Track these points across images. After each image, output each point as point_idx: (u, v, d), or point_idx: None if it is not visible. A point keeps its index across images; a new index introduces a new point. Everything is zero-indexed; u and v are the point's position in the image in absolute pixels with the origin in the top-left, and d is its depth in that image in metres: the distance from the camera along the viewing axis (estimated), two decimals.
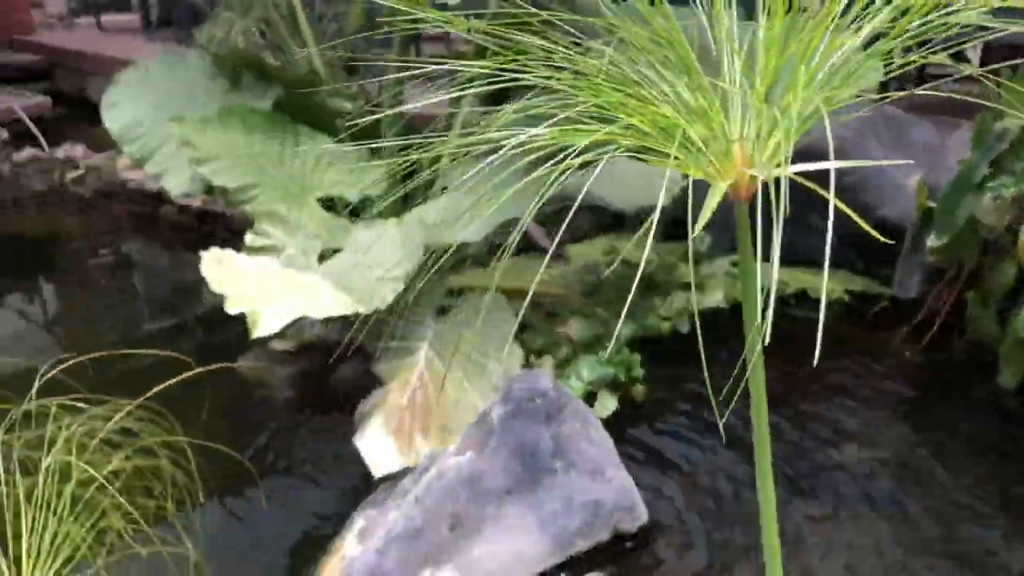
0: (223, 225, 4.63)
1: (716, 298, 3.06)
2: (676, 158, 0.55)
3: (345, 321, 2.92)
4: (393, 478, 2.43)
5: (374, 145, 2.83)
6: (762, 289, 0.62)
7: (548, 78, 0.76)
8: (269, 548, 2.35)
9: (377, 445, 2.36)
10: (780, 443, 2.55)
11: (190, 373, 1.62)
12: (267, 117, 2.91)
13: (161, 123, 2.95)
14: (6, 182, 5.91)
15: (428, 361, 2.60)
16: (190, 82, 3.08)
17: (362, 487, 2.53)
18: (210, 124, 2.77)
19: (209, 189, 2.87)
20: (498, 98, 2.97)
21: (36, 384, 1.22)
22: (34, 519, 1.09)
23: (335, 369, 3.11)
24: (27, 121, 6.33)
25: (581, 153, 0.68)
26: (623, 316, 1.73)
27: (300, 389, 3.10)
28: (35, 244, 5.21)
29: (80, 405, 1.29)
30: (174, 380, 1.54)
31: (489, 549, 2.07)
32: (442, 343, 2.67)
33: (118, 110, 3.02)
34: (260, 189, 2.72)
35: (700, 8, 0.83)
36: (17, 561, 1.07)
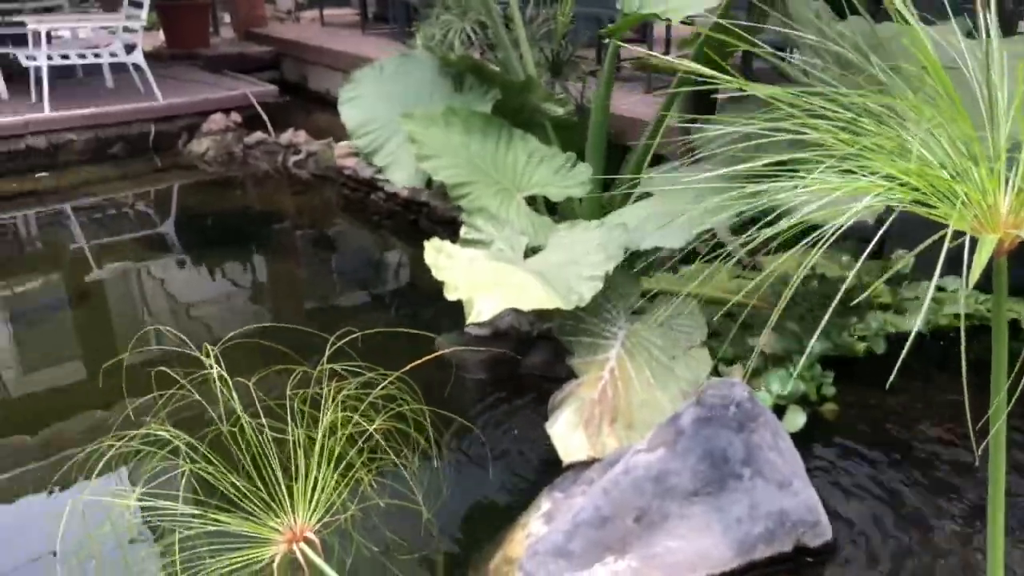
0: (426, 215, 4.95)
1: (916, 322, 2.98)
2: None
3: (536, 313, 3.09)
4: (576, 466, 2.57)
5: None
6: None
7: (803, 125, 0.85)
8: (460, 516, 2.56)
9: (568, 434, 2.51)
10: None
11: (429, 356, 1.81)
12: (485, 118, 3.12)
13: (391, 119, 3.24)
14: (237, 162, 6.59)
15: (619, 359, 2.71)
16: (419, 82, 3.35)
17: (542, 469, 2.70)
18: (434, 122, 3.01)
19: (429, 183, 3.12)
20: (708, 105, 3.03)
21: (326, 351, 1.44)
22: (306, 466, 1.30)
23: (526, 357, 3.30)
24: (258, 107, 7.01)
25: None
26: (817, 332, 1.77)
27: (493, 372, 3.30)
28: (260, 218, 5.80)
29: (340, 370, 1.51)
30: (429, 357, 1.74)
31: (672, 545, 2.17)
32: (633, 343, 2.77)
33: (353, 105, 3.34)
34: (475, 186, 2.93)
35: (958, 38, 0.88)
36: (291, 498, 1.29)
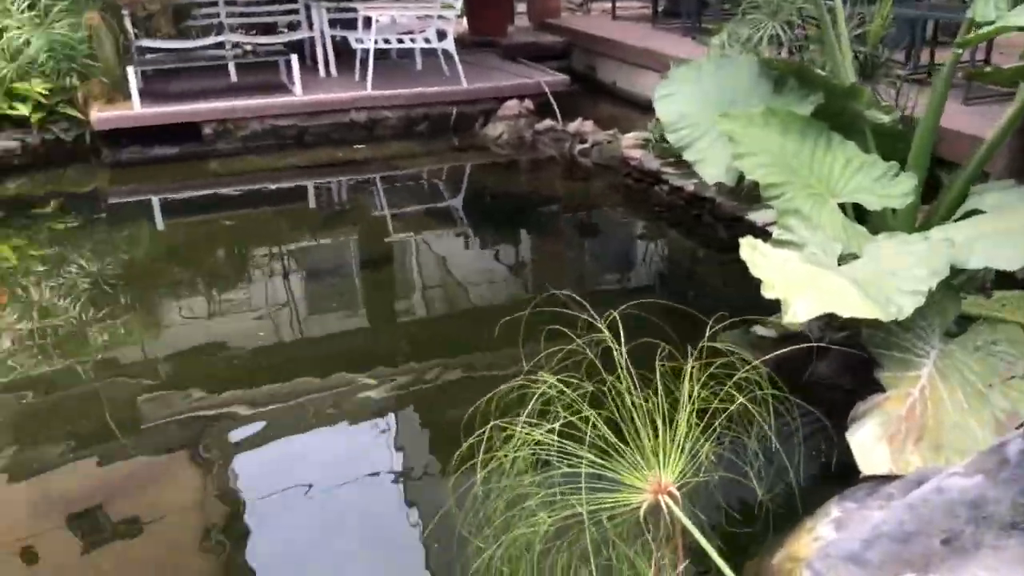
0: (710, 211, 5.00)
1: None
2: None
3: (827, 319, 3.04)
4: (870, 480, 2.53)
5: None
6: None
7: None
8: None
9: (870, 446, 2.48)
10: None
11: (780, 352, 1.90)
12: (804, 120, 3.12)
13: (704, 117, 3.33)
14: (527, 147, 7.00)
15: (930, 378, 2.62)
16: (736, 82, 3.41)
17: (824, 477, 2.68)
18: (753, 122, 3.06)
19: (739, 181, 3.18)
20: None
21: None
22: (670, 430, 1.45)
23: (814, 364, 3.27)
24: (549, 96, 7.38)
25: None
26: None
27: (777, 376, 3.31)
28: (544, 200, 6.15)
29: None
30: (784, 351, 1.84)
31: (981, 575, 2.09)
32: (946, 364, 2.67)
33: (670, 101, 3.47)
34: (788, 187, 2.95)
35: None
36: (655, 456, 1.44)
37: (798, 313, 2.36)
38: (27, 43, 6.32)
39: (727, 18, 5.38)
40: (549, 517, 1.35)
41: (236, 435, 3.13)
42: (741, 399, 1.52)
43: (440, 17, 7.38)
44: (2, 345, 3.83)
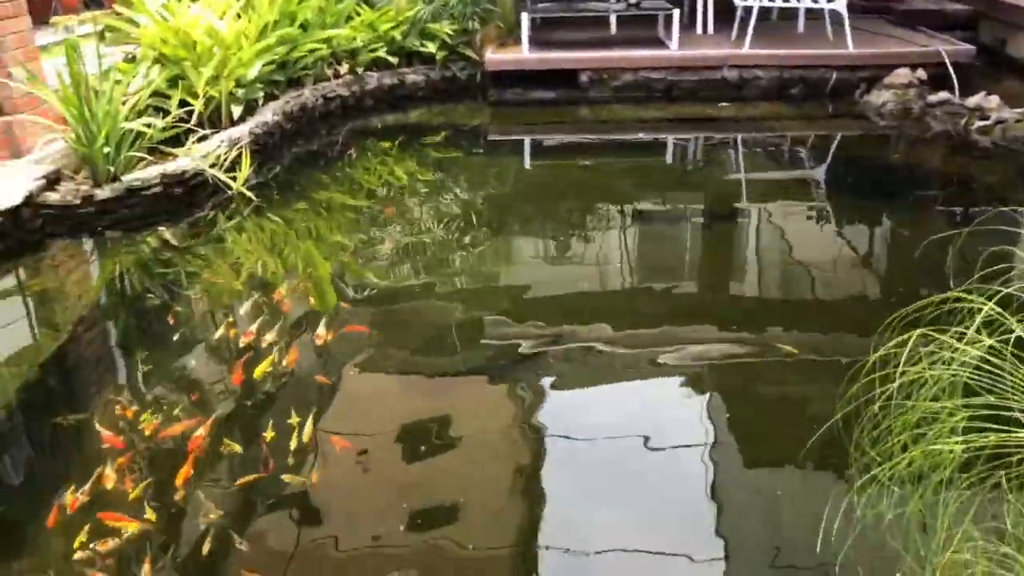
0: None
1: None
2: None
3: None
4: None
5: None
6: None
7: None
8: None
9: None
10: None
11: None
12: None
13: None
14: (912, 119, 6.38)
15: None
16: None
17: None
18: None
19: None
20: None
21: None
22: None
23: None
24: (949, 67, 6.64)
25: None
26: None
27: None
28: (925, 178, 5.55)
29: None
30: None
31: None
32: None
33: None
34: None
35: None
36: None
37: None
38: None
39: None
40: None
41: (555, 374, 3.16)
42: None
43: None
44: (381, 255, 4.36)
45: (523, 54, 7.12)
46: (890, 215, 4.90)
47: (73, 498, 2.42)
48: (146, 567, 2.18)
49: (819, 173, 5.78)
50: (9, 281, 4.04)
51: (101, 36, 6.00)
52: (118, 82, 4.79)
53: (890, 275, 4.20)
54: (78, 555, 2.23)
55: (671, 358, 3.28)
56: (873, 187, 5.34)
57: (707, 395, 3.04)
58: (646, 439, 2.75)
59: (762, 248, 4.58)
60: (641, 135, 6.58)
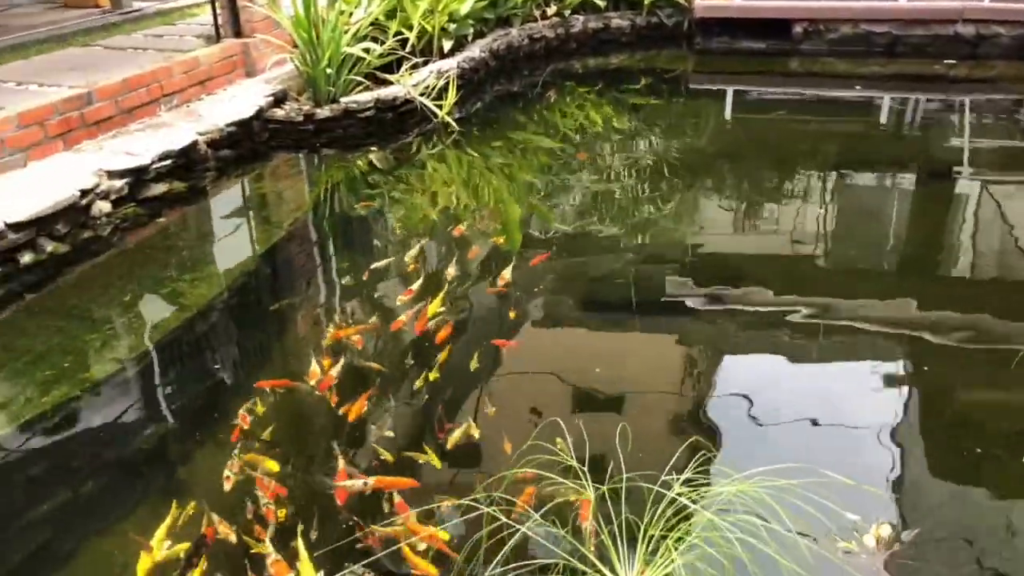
0: None
1: None
2: None
3: None
4: None
5: None
6: None
7: None
8: None
9: None
10: None
11: None
12: None
13: None
14: None
15: None
16: None
17: None
18: None
19: None
20: None
21: None
22: None
23: None
24: None
25: None
26: None
27: None
28: None
29: None
30: None
31: None
32: None
33: None
34: None
35: None
36: None
37: None
38: None
39: None
40: None
41: (734, 338, 3.05)
42: None
43: None
44: (572, 200, 4.39)
45: (737, 1, 6.86)
46: None
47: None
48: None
49: None
50: (237, 186, 4.47)
51: None
52: (342, 12, 5.11)
53: None
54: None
55: (864, 338, 3.01)
56: None
57: (896, 387, 2.76)
58: (822, 422, 2.56)
59: (978, 229, 4.06)
60: (858, 93, 6.15)
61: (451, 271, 3.38)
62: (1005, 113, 5.66)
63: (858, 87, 6.17)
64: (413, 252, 3.51)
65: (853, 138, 5.38)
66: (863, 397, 2.67)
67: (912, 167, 4.93)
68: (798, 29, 6.77)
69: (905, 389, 2.71)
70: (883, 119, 5.84)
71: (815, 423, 2.53)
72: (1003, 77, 6.12)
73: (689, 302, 3.31)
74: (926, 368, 2.83)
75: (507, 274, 3.34)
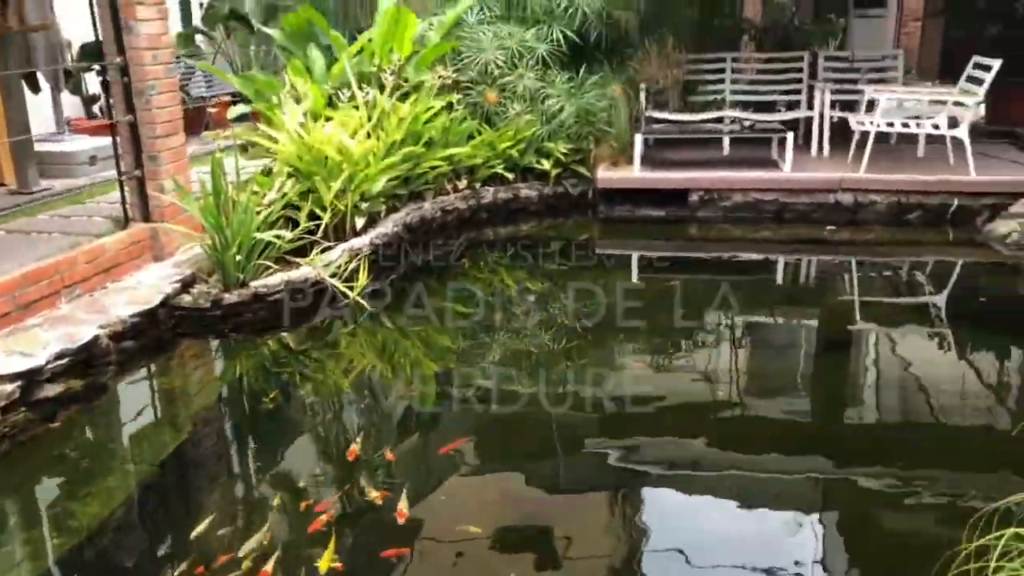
0: None
1: None
2: None
3: None
4: None
5: None
6: None
7: None
8: None
9: None
10: None
11: None
12: None
13: None
14: None
15: None
16: None
17: None
18: None
19: None
20: None
21: None
22: None
23: None
24: None
25: None
26: None
27: None
28: None
29: None
30: None
31: None
32: None
33: None
34: None
35: None
36: None
37: None
38: (561, 109, 7.39)
39: None
40: None
41: (654, 490, 3.25)
42: None
43: (956, 104, 6.83)
44: (490, 358, 4.54)
45: (636, 173, 7.29)
46: (1021, 348, 4.70)
47: None
48: None
49: (940, 300, 5.59)
50: (140, 381, 4.35)
51: (243, 150, 6.57)
52: (255, 193, 5.20)
53: (1018, 411, 3.97)
54: None
55: (777, 486, 3.25)
56: (999, 318, 5.12)
57: (811, 529, 2.98)
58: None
59: (877, 376, 4.46)
60: (751, 255, 6.56)
61: (369, 441, 3.34)
62: (890, 271, 6.09)
63: (741, 255, 6.59)
64: (328, 433, 3.45)
65: (752, 295, 5.72)
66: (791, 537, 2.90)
67: (812, 317, 5.46)
68: (694, 198, 7.20)
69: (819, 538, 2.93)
70: (778, 278, 6.21)
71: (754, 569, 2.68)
72: (880, 241, 6.60)
73: (610, 456, 3.52)
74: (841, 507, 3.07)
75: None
